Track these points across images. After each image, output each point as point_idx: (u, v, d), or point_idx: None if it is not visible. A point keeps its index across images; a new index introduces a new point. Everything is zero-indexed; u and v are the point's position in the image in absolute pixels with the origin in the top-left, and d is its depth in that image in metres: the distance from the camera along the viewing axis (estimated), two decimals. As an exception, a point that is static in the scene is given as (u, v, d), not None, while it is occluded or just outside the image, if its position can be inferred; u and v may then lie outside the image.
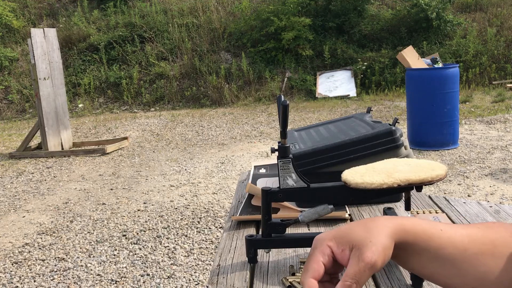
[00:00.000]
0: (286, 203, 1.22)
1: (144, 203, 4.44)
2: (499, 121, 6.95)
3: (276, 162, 1.02)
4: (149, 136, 7.79)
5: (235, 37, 12.11)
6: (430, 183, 0.89)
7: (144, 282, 2.91)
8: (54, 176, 5.73)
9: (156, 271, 3.04)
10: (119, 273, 3.06)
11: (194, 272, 3.00)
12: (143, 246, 3.45)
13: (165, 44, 12.12)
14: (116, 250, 3.42)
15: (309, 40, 11.43)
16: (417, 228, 0.61)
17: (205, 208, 4.16)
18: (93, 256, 3.34)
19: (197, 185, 4.89)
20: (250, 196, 1.34)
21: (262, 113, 9.27)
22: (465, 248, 0.61)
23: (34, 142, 7.27)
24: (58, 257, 3.37)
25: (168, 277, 2.96)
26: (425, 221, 0.62)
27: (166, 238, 3.56)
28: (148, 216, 4.08)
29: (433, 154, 5.42)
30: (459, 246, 0.61)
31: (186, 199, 4.45)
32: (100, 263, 3.22)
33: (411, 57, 5.90)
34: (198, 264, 3.11)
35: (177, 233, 3.64)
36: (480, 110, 7.95)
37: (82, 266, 3.20)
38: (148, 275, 3.01)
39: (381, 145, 1.28)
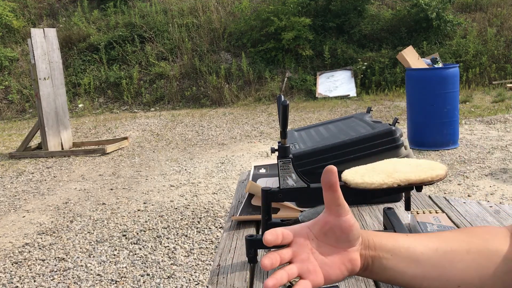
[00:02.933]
0: (286, 203, 1.22)
1: (144, 203, 4.44)
2: (499, 121, 6.95)
3: (276, 162, 1.02)
4: (149, 136, 7.79)
5: (235, 37, 12.11)
6: (430, 183, 0.89)
7: (144, 282, 2.92)
8: (54, 176, 5.73)
9: (156, 271, 3.04)
10: (119, 273, 3.06)
11: (194, 272, 3.00)
12: (143, 246, 3.45)
13: (165, 44, 12.12)
14: (116, 250, 3.42)
15: (309, 40, 11.43)
16: (379, 234, 0.64)
17: (205, 208, 4.16)
18: (93, 256, 3.34)
19: (197, 185, 4.89)
20: (250, 196, 1.34)
21: (262, 113, 9.27)
22: (436, 247, 0.62)
23: (34, 142, 7.27)
24: (58, 257, 3.37)
25: (168, 277, 2.96)
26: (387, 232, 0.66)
27: (166, 238, 3.56)
28: (148, 216, 4.08)
29: (433, 154, 5.42)
30: (429, 245, 0.63)
31: (186, 199, 4.45)
32: (100, 263, 3.22)
33: (411, 57, 5.90)
34: (198, 264, 3.11)
35: (177, 233, 3.65)
36: (480, 110, 7.95)
37: (82, 266, 3.20)
38: (148, 275, 3.01)
39: (381, 145, 1.28)
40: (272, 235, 0.57)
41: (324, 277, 0.59)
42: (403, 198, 1.16)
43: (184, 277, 2.95)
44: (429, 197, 1.35)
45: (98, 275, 3.05)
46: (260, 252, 0.98)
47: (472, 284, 0.61)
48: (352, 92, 10.30)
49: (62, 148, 7.12)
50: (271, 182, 1.44)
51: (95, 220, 4.07)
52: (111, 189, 4.98)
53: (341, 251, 0.60)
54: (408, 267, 0.61)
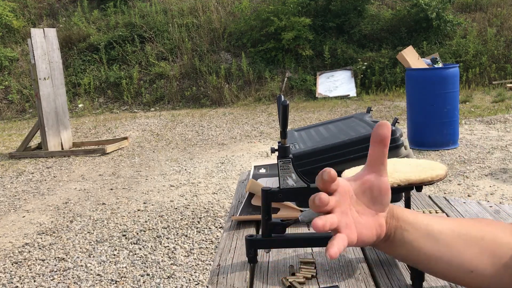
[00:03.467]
0: (286, 203, 1.22)
1: (144, 203, 4.44)
2: (499, 121, 6.95)
3: (276, 162, 1.02)
4: (149, 136, 7.79)
5: (235, 37, 12.11)
6: (430, 183, 0.89)
7: (144, 282, 2.92)
8: (54, 176, 5.73)
9: (156, 271, 3.04)
10: (119, 273, 3.06)
11: (194, 272, 3.00)
12: (143, 246, 3.45)
13: (165, 44, 12.12)
14: (116, 250, 3.42)
15: (309, 40, 11.43)
16: (401, 207, 0.64)
17: (205, 208, 4.16)
18: (93, 256, 3.34)
19: (197, 185, 4.89)
20: (250, 196, 1.34)
21: (262, 113, 9.27)
22: (453, 228, 0.63)
23: (34, 142, 7.27)
24: (58, 257, 3.37)
25: (168, 277, 2.96)
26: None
27: (166, 238, 3.56)
28: (148, 216, 4.08)
29: (433, 154, 5.42)
30: (446, 225, 0.63)
31: (186, 199, 4.45)
32: (100, 263, 3.22)
33: (411, 57, 5.90)
34: (198, 264, 3.11)
35: (177, 233, 3.65)
36: (480, 110, 7.95)
37: (82, 266, 3.20)
38: (148, 275, 3.01)
39: (381, 145, 1.27)
40: (331, 171, 0.57)
41: (357, 236, 0.58)
42: (403, 198, 1.16)
43: (184, 277, 2.95)
44: (429, 197, 1.35)
45: (98, 275, 3.05)
46: (260, 252, 0.98)
47: (484, 272, 0.61)
48: (352, 92, 10.30)
49: (62, 148, 7.12)
50: (271, 182, 1.44)
51: (95, 220, 4.07)
52: (111, 189, 4.98)
53: (373, 213, 0.60)
54: (425, 244, 0.61)
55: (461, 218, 0.67)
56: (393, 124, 1.31)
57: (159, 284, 2.87)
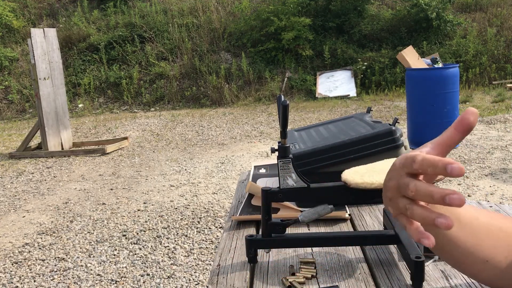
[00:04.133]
0: (286, 203, 1.22)
1: (144, 203, 4.44)
2: (499, 121, 6.95)
3: (276, 162, 1.02)
4: (149, 136, 7.79)
5: (235, 37, 12.11)
6: (430, 183, 0.89)
7: (144, 282, 2.92)
8: (54, 176, 5.73)
9: (156, 271, 3.04)
10: (119, 273, 3.06)
11: (194, 272, 3.00)
12: (143, 246, 3.45)
13: (165, 44, 12.12)
14: (116, 250, 3.42)
15: (309, 40, 11.43)
16: None
17: (205, 208, 4.16)
18: (93, 256, 3.34)
19: (197, 185, 4.89)
20: (250, 196, 1.34)
21: (262, 113, 9.27)
22: (476, 216, 0.62)
23: (34, 142, 7.27)
24: (58, 257, 3.37)
25: (168, 277, 2.96)
26: None
27: (166, 238, 3.57)
28: (148, 216, 4.08)
29: (433, 154, 5.42)
30: (471, 212, 0.62)
31: (186, 199, 4.45)
32: (100, 263, 3.22)
33: (411, 57, 5.90)
34: (198, 264, 3.11)
35: (177, 233, 3.65)
36: (480, 110, 7.95)
37: (82, 266, 3.20)
38: (148, 275, 3.01)
39: (381, 145, 1.28)
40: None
41: None
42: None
43: (184, 277, 2.95)
44: (429, 197, 1.35)
45: (98, 275, 3.05)
46: (260, 252, 0.98)
47: (498, 264, 0.61)
48: (352, 92, 10.30)
49: (62, 148, 7.12)
50: (271, 182, 1.44)
51: (95, 220, 4.07)
52: (111, 189, 4.98)
53: None
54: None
55: (479, 208, 0.66)
56: (393, 124, 1.31)
57: (159, 284, 2.87)
